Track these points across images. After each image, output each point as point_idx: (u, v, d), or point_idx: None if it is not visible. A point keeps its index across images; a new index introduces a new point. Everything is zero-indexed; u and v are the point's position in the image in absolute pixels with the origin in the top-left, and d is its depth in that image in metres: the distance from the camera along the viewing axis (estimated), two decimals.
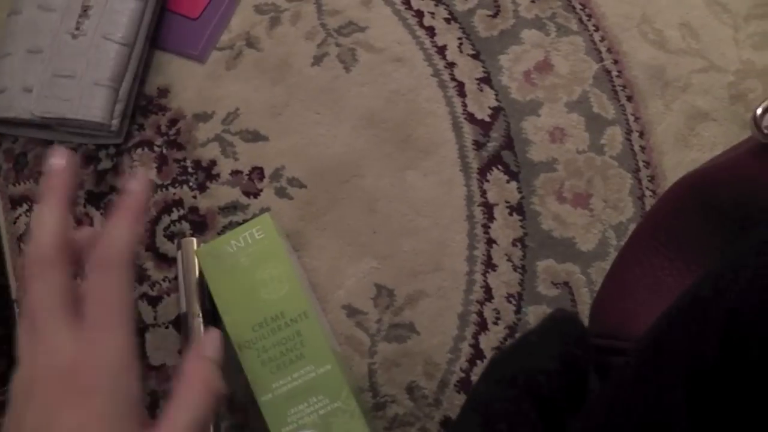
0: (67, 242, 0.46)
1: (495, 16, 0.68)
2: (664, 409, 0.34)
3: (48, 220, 0.46)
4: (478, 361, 0.60)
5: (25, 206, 0.72)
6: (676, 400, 0.33)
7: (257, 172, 0.68)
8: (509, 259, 0.61)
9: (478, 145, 0.64)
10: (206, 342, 0.49)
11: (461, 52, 0.68)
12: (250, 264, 0.57)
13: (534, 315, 0.60)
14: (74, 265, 0.47)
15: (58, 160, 0.48)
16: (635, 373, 0.38)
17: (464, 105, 0.66)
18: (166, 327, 0.65)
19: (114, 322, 0.44)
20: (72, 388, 0.42)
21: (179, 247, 0.63)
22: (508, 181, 0.63)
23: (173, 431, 0.43)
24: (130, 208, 0.48)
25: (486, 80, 0.66)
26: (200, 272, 0.61)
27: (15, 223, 0.71)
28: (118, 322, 0.44)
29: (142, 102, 0.72)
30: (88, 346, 0.43)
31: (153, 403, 0.64)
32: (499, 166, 0.64)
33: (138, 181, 0.49)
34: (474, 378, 0.59)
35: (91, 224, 0.69)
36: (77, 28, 0.69)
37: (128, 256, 0.46)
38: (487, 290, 0.61)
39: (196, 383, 0.46)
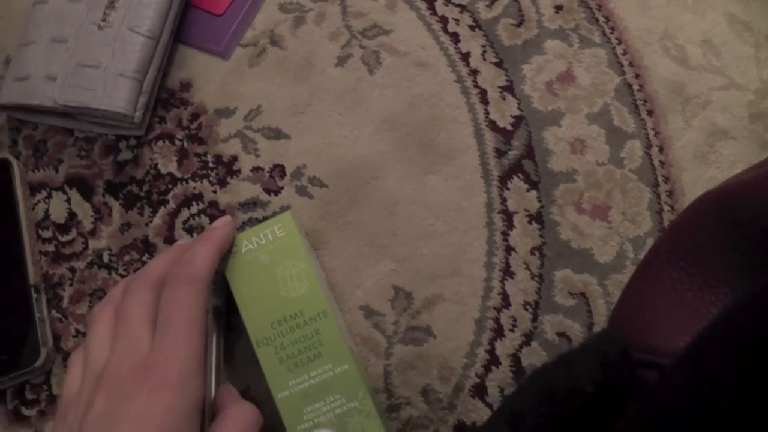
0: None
1: (519, 25, 0.68)
2: (717, 420, 0.34)
3: (195, 254, 0.55)
4: (494, 367, 0.60)
5: (44, 193, 0.72)
6: (728, 411, 0.33)
7: (278, 169, 0.68)
8: (527, 268, 0.62)
9: (500, 153, 0.65)
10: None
11: (485, 59, 0.68)
12: (270, 261, 0.58)
13: (550, 324, 0.60)
14: None
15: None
16: (682, 387, 0.38)
17: (486, 112, 0.66)
18: None
19: (184, 330, 0.49)
20: (143, 381, 0.46)
21: None
22: (528, 190, 0.64)
23: None
24: (213, 238, 0.56)
25: (509, 89, 0.67)
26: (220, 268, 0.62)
27: (34, 209, 0.71)
28: (187, 330, 0.49)
29: (163, 95, 0.73)
30: (161, 349, 0.48)
31: None
32: (520, 175, 0.64)
33: (224, 220, 0.60)
34: (489, 384, 0.60)
35: (110, 214, 0.69)
36: (103, 20, 0.69)
37: (204, 276, 0.53)
38: (505, 297, 0.62)
39: (242, 411, 0.54)
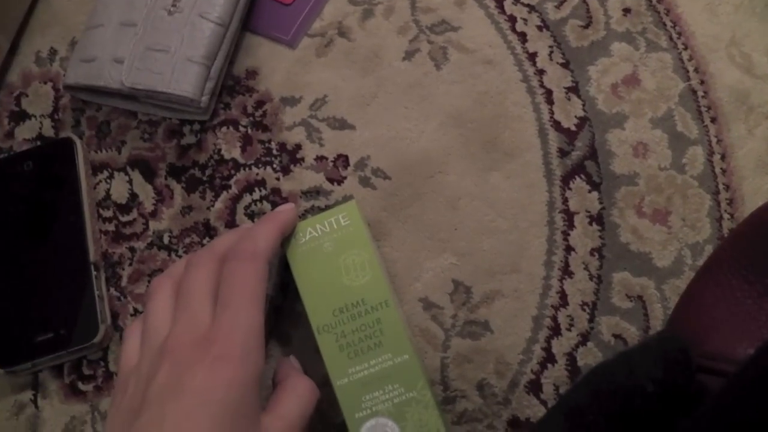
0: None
1: (587, 27, 0.69)
2: None
3: (258, 232, 0.56)
4: (549, 365, 0.61)
5: (105, 173, 0.73)
6: None
7: (342, 159, 0.69)
8: (586, 268, 0.62)
9: (563, 153, 0.65)
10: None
11: (551, 60, 0.69)
12: (333, 249, 0.58)
13: (606, 325, 0.61)
14: None
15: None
16: (750, 393, 0.38)
17: (551, 112, 0.67)
18: None
19: (244, 304, 0.50)
20: (206, 353, 0.47)
21: None
22: (589, 191, 0.64)
23: (287, 415, 0.51)
24: (277, 220, 0.57)
25: (574, 90, 0.67)
26: (283, 255, 0.62)
27: (95, 188, 0.72)
28: (248, 303, 0.50)
29: (229, 82, 0.73)
30: (222, 322, 0.48)
31: None
32: (582, 176, 0.65)
33: (288, 206, 0.60)
34: (544, 381, 0.60)
35: (172, 196, 0.70)
36: (174, 5, 0.70)
37: (265, 253, 0.54)
38: (563, 296, 0.62)
39: (301, 386, 0.55)
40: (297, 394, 0.52)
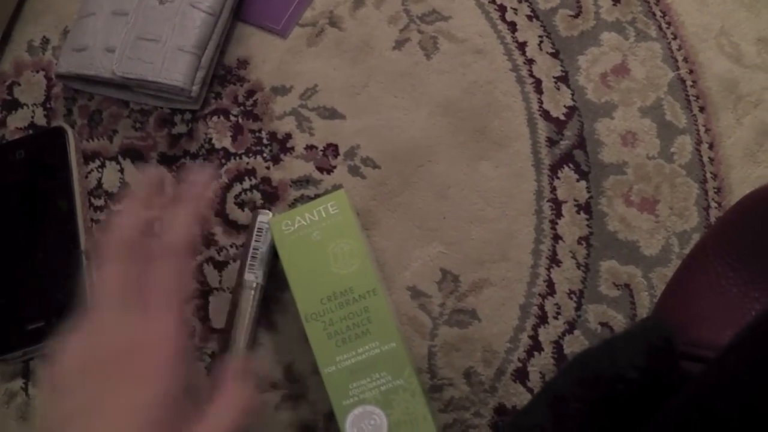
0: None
1: (576, 16, 0.69)
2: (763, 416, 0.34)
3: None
4: (536, 353, 0.61)
5: (97, 162, 0.74)
6: None
7: (332, 148, 0.69)
8: (573, 257, 0.63)
9: (551, 143, 0.66)
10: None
11: (541, 49, 0.69)
12: (322, 238, 0.59)
13: (593, 313, 0.61)
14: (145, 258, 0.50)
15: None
16: (733, 378, 0.38)
17: (540, 102, 0.67)
18: (230, 292, 0.66)
19: (165, 310, 0.47)
20: (128, 370, 0.44)
21: (254, 218, 0.65)
22: (578, 180, 0.64)
23: (218, 427, 0.46)
24: (191, 200, 0.51)
25: (563, 79, 0.67)
26: (273, 244, 0.63)
27: (87, 177, 0.73)
28: (169, 310, 0.47)
29: (220, 71, 0.74)
30: (145, 330, 0.46)
31: (211, 364, 0.65)
32: (570, 165, 0.65)
33: (201, 173, 0.53)
34: (531, 369, 0.61)
35: (163, 186, 0.70)
36: None
37: (185, 247, 0.50)
38: (550, 285, 0.62)
39: (238, 396, 0.49)
40: (230, 405, 0.47)
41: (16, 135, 0.76)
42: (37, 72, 0.78)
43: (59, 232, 0.69)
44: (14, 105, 0.77)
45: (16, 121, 0.77)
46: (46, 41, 0.80)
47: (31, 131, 0.76)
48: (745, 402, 0.36)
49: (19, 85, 0.78)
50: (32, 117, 0.77)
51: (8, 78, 0.79)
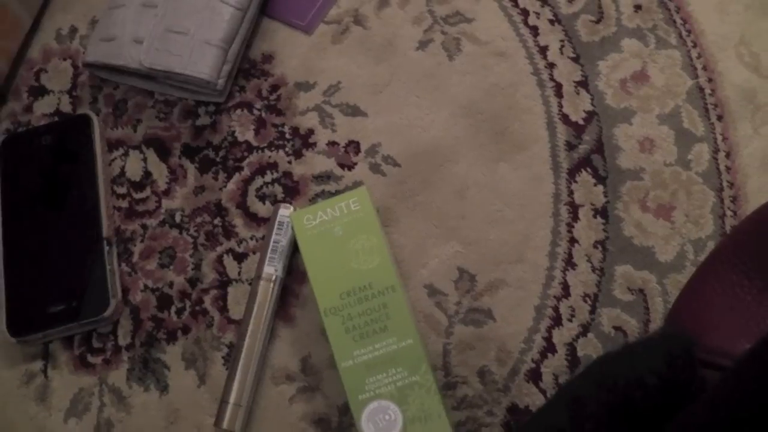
0: None
1: (598, 22, 0.70)
2: None
3: None
4: (550, 354, 0.62)
5: (121, 150, 0.75)
6: None
7: (353, 145, 0.70)
8: (589, 260, 0.64)
9: (570, 146, 0.66)
10: None
11: (562, 53, 0.70)
12: (343, 233, 0.60)
13: (607, 317, 0.62)
14: None
15: None
16: (749, 387, 0.39)
17: (560, 106, 0.68)
18: (249, 283, 0.67)
19: None
20: None
21: (275, 211, 0.66)
22: (595, 185, 0.65)
23: None
24: None
25: (583, 84, 0.68)
26: (293, 237, 0.64)
27: (110, 165, 0.74)
28: None
29: (245, 65, 0.75)
30: None
31: (228, 354, 0.66)
32: (588, 169, 0.66)
33: None
34: (544, 370, 0.62)
35: (185, 176, 0.72)
36: None
37: None
38: (565, 287, 0.63)
39: None
40: None
41: (42, 121, 0.77)
42: (65, 60, 0.80)
43: (82, 217, 0.71)
44: (41, 91, 0.79)
45: (43, 107, 0.78)
46: (74, 30, 0.81)
47: (56, 118, 0.77)
48: (763, 410, 0.37)
49: (47, 72, 0.80)
50: (58, 104, 0.78)
51: (36, 65, 0.80)
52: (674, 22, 0.69)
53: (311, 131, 0.71)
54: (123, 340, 0.69)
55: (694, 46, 0.68)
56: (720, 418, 0.39)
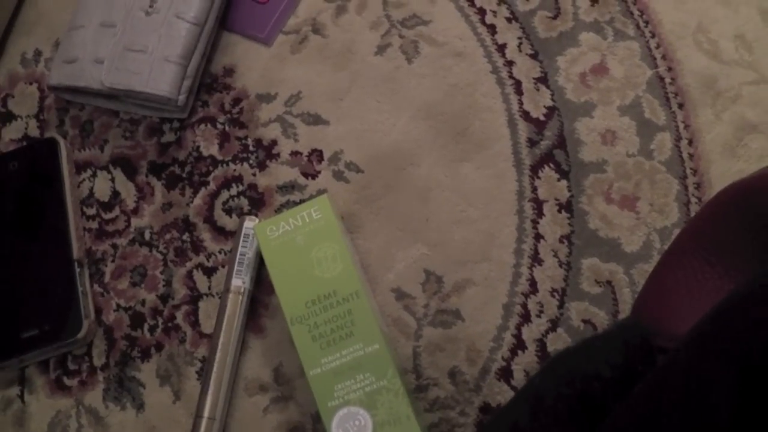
0: None
1: (555, 17, 0.70)
2: (710, 406, 0.35)
3: None
4: (520, 351, 0.62)
5: (89, 171, 0.75)
6: (722, 397, 0.35)
7: (316, 154, 0.70)
8: (555, 255, 0.63)
9: (532, 143, 0.66)
10: None
11: (520, 51, 0.70)
12: (306, 242, 0.60)
13: (576, 311, 0.62)
14: None
15: None
16: (681, 370, 0.39)
17: (520, 103, 0.68)
18: (219, 297, 0.67)
19: None
20: None
21: (240, 224, 0.66)
22: (558, 180, 0.65)
23: None
24: None
25: (543, 80, 0.68)
26: (258, 249, 0.64)
27: (79, 186, 0.74)
28: None
29: (207, 80, 0.75)
30: None
31: (202, 369, 0.66)
32: (551, 165, 0.66)
33: None
34: (515, 368, 0.62)
35: (153, 193, 0.72)
36: (151, 6, 0.71)
37: None
38: (533, 283, 0.63)
39: None
40: None
41: (11, 146, 0.78)
42: (31, 84, 0.80)
43: (52, 240, 0.71)
44: (8, 117, 0.79)
45: (11, 133, 0.78)
46: (38, 53, 0.81)
47: (25, 143, 0.77)
48: (687, 395, 0.37)
49: (13, 97, 0.80)
50: (26, 128, 0.78)
51: (2, 90, 0.80)
52: (631, 13, 0.69)
53: (274, 142, 0.71)
54: (98, 361, 0.69)
55: (653, 36, 0.68)
56: (652, 402, 0.40)
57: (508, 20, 0.71)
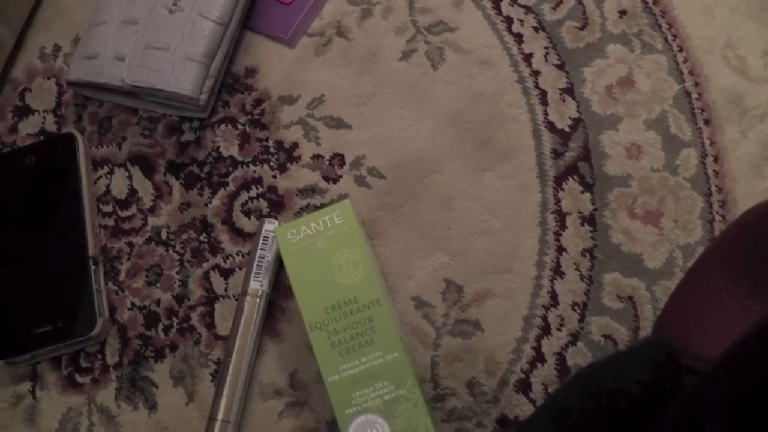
0: None
1: (582, 28, 0.69)
2: (755, 427, 0.35)
3: None
4: (539, 364, 0.61)
5: (106, 168, 0.74)
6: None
7: (338, 158, 0.70)
8: (577, 269, 0.63)
9: (556, 154, 0.66)
10: None
11: (547, 61, 0.69)
12: (327, 247, 0.59)
13: (597, 325, 0.61)
14: None
15: None
16: (722, 391, 0.39)
17: (546, 113, 0.67)
18: (236, 299, 0.67)
19: None
20: None
21: (260, 226, 0.65)
22: (582, 192, 0.65)
23: None
24: None
25: (569, 91, 0.68)
26: (278, 252, 0.63)
27: (96, 183, 0.73)
28: None
29: (228, 80, 0.74)
30: None
31: (216, 371, 0.66)
32: (575, 177, 0.65)
33: None
34: (534, 380, 0.61)
35: (170, 192, 0.71)
36: (174, 4, 0.71)
37: None
38: (554, 296, 0.63)
39: None
40: None
41: (27, 141, 0.77)
42: (49, 79, 0.79)
43: (68, 237, 0.70)
44: (26, 111, 0.78)
45: (28, 128, 0.77)
46: (57, 48, 0.81)
47: (42, 137, 0.77)
48: (733, 416, 0.36)
49: (31, 91, 0.79)
50: (43, 123, 0.77)
51: (20, 84, 0.79)
52: (659, 26, 0.69)
53: (295, 145, 0.71)
54: (111, 359, 0.69)
55: (680, 50, 0.68)
56: (691, 423, 0.39)
57: (535, 30, 0.71)
